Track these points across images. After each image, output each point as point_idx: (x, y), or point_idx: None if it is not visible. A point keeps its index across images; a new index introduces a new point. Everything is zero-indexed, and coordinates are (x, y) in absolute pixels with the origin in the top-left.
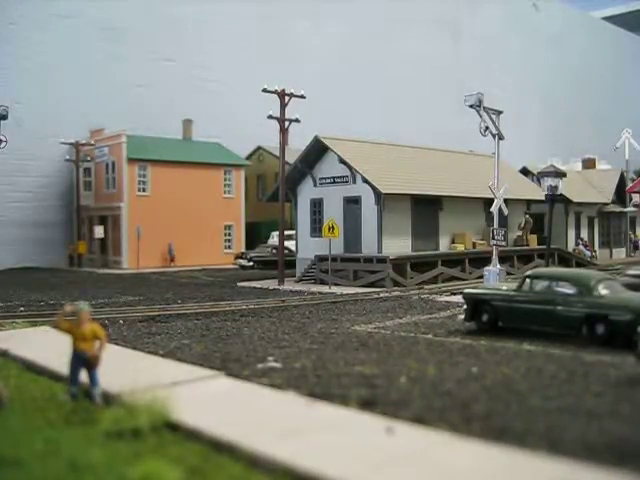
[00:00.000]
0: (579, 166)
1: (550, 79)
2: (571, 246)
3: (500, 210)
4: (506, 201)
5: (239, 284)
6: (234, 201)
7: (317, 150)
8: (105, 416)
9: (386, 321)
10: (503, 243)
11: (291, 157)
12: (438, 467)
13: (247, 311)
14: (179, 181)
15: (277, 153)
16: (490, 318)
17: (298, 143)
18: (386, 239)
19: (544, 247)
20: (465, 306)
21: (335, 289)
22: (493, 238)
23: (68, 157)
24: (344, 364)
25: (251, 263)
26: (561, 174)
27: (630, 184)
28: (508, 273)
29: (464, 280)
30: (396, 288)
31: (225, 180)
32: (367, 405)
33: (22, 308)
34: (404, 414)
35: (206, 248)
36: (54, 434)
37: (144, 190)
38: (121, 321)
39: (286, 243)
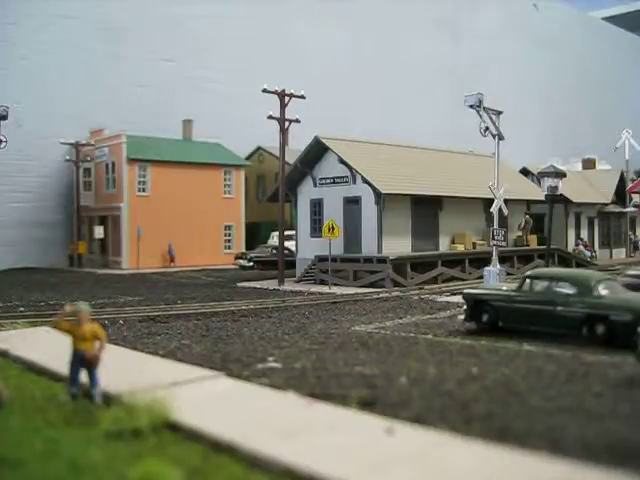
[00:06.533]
0: (579, 166)
1: (550, 79)
2: (571, 246)
3: (500, 210)
4: (506, 201)
5: (239, 284)
6: (234, 201)
7: (317, 150)
8: (105, 416)
9: (386, 321)
10: (503, 243)
11: (291, 157)
12: (438, 467)
13: (247, 311)
14: (179, 181)
15: (277, 153)
16: (490, 318)
17: (298, 143)
18: (386, 239)
19: (544, 247)
20: (465, 306)
21: (335, 289)
22: (493, 238)
23: (68, 157)
24: (344, 364)
25: (251, 263)
26: (561, 174)
27: (630, 184)
28: (508, 273)
29: (464, 280)
30: (396, 288)
31: (225, 180)
32: (367, 405)
33: (22, 308)
34: (404, 414)
35: (206, 248)
36: (54, 434)
37: (144, 190)
38: (121, 321)
39: (286, 243)
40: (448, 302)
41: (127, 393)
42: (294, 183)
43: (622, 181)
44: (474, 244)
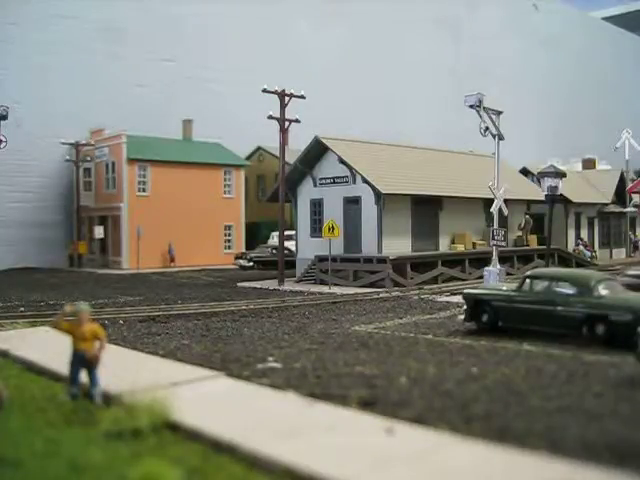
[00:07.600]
0: (579, 166)
1: (550, 79)
2: (571, 246)
3: (500, 210)
4: (506, 201)
5: (239, 284)
6: (234, 201)
7: (317, 150)
8: (105, 416)
9: (386, 321)
10: (503, 243)
11: (291, 157)
12: (438, 467)
13: (247, 311)
14: (179, 181)
15: (277, 153)
16: (490, 318)
17: (298, 143)
18: (386, 239)
19: (544, 247)
20: (465, 306)
21: (335, 289)
22: (493, 238)
23: (68, 157)
24: (344, 364)
25: (251, 263)
26: (561, 174)
27: (630, 184)
28: (508, 273)
29: (464, 280)
30: (396, 288)
31: (225, 180)
32: (367, 405)
33: (22, 308)
34: (404, 414)
35: (206, 248)
36: (54, 434)
37: (144, 190)
38: (121, 321)
39: (286, 243)
40: (448, 302)
41: (127, 393)
42: (294, 183)
43: (622, 181)
44: (474, 244)
